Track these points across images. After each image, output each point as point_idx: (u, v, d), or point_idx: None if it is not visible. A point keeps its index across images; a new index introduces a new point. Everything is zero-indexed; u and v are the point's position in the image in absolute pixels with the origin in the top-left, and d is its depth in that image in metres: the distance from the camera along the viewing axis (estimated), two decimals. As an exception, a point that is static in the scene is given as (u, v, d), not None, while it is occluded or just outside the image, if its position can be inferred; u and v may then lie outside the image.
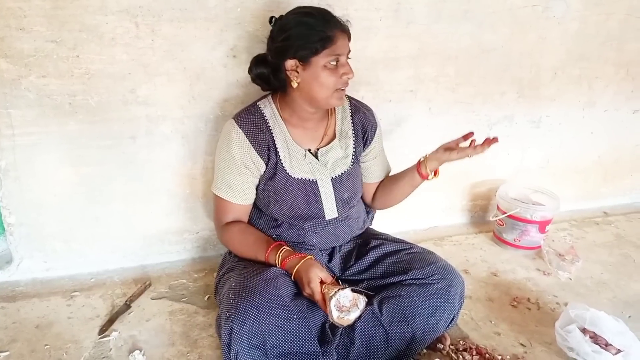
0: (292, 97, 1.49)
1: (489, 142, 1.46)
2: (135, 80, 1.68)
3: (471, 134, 1.50)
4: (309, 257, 1.44)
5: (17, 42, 1.53)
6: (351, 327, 1.42)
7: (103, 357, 1.47)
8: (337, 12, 1.45)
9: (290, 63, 1.41)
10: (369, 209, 1.82)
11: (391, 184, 1.71)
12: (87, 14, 1.55)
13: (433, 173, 1.58)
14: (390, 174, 1.76)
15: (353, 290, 1.37)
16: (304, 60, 1.40)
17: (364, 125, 1.64)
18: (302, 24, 1.39)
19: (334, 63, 1.41)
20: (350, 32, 1.45)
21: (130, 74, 1.67)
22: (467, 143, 1.50)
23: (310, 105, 1.49)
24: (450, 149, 1.51)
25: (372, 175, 1.72)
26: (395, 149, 1.86)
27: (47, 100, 1.63)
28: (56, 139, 1.68)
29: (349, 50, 1.45)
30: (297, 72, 1.42)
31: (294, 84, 1.43)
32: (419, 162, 1.59)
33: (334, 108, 1.61)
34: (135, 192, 1.84)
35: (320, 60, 1.39)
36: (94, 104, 1.67)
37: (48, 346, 1.51)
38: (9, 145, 1.65)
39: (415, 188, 1.65)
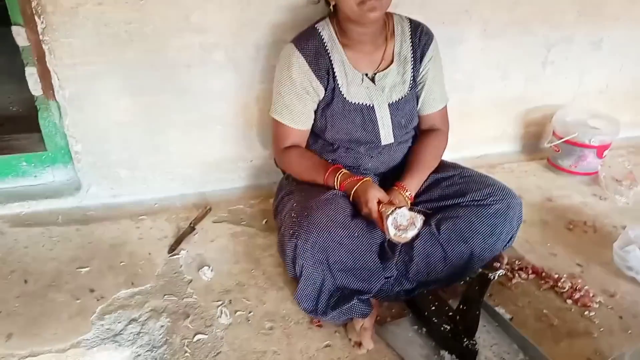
0: (340, 18, 1.48)
1: None
2: (188, 6, 1.67)
3: None
4: (367, 179, 1.46)
5: (72, -32, 1.53)
6: (410, 246, 1.45)
7: (174, 272, 1.58)
8: None
9: None
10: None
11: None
12: (138, -64, 1.53)
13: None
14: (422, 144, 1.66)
15: (410, 210, 1.39)
16: None
17: (423, 47, 1.58)
18: None
19: None
20: None
21: (182, -1, 1.66)
22: None
23: (353, 23, 1.45)
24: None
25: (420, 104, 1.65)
26: (447, 75, 1.79)
27: (104, 29, 1.64)
28: (115, 68, 1.71)
29: None
30: None
31: (332, 2, 1.44)
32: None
33: (393, 31, 1.56)
34: (191, 121, 1.88)
35: None
36: (148, 32, 1.68)
37: (124, 263, 1.62)
38: (72, 75, 1.69)
39: None
